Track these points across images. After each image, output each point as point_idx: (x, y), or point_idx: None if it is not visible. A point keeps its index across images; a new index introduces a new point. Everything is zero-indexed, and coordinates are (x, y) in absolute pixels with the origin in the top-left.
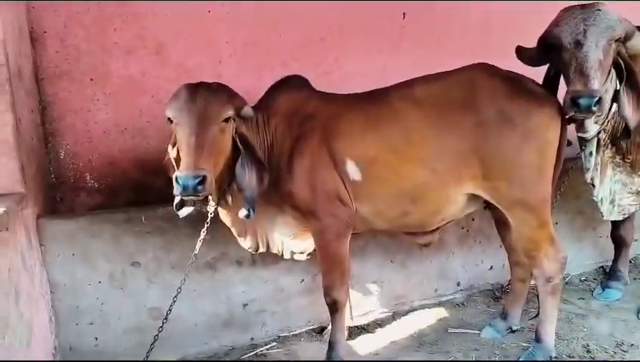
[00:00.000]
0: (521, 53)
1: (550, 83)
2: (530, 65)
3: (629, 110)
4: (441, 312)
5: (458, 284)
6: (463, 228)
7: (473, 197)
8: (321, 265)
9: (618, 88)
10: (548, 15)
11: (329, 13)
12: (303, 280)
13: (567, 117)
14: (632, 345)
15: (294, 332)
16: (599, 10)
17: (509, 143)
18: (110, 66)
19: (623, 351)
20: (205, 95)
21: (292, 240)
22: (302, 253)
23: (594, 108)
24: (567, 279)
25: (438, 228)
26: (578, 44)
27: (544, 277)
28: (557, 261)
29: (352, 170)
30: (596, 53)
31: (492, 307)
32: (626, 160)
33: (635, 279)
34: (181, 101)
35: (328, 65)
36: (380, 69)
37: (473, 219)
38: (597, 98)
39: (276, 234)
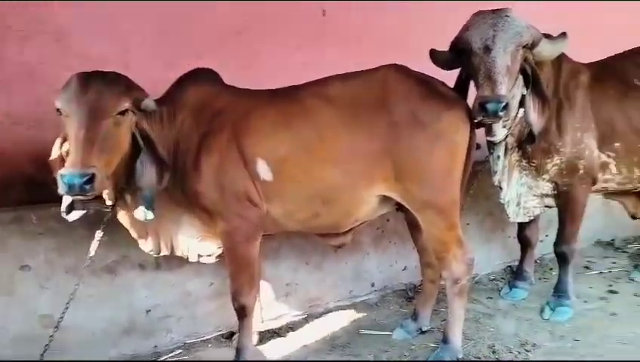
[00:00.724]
0: (435, 56)
1: (461, 86)
2: (443, 68)
3: (534, 115)
4: (355, 314)
5: (373, 285)
6: (378, 228)
7: (385, 199)
8: (228, 269)
9: (525, 94)
10: (466, 17)
11: (247, 7)
12: (212, 284)
13: (475, 121)
14: (535, 344)
15: (202, 339)
16: (508, 16)
17: (420, 145)
18: (3, 52)
19: (526, 350)
20: (98, 85)
21: (199, 243)
22: (209, 255)
23: (500, 114)
24: (476, 279)
25: (351, 230)
26: (487, 50)
27: (452, 279)
28: (464, 263)
29: (263, 170)
30: (504, 59)
31: (405, 307)
32: (532, 163)
33: (540, 279)
34: (71, 91)
35: (247, 59)
36: (299, 65)
37: (388, 220)
38: (504, 103)
39: (181, 236)
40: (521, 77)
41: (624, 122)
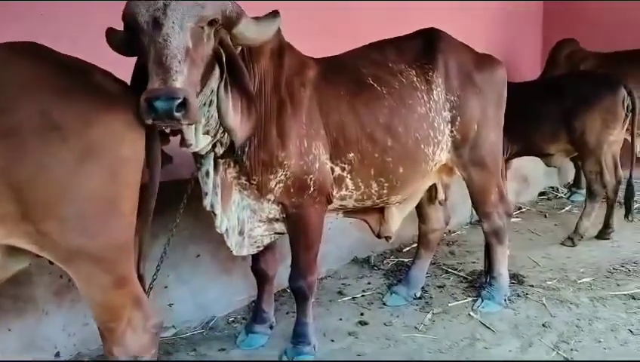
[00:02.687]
0: (110, 38)
1: (140, 77)
2: (122, 54)
3: (232, 117)
4: None
5: (57, 355)
6: (61, 276)
7: (17, 249)
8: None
9: (219, 88)
10: None
11: None
12: None
13: (148, 124)
14: None
15: None
16: None
17: (58, 163)
18: None
19: None
20: None
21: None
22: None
23: (177, 115)
24: (211, 323)
25: None
26: (156, 25)
27: (127, 355)
28: (147, 331)
29: None
30: (181, 38)
31: None
32: (252, 181)
33: (288, 313)
34: None
35: None
36: None
37: None
38: (180, 100)
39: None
40: (217, 67)
41: (357, 128)
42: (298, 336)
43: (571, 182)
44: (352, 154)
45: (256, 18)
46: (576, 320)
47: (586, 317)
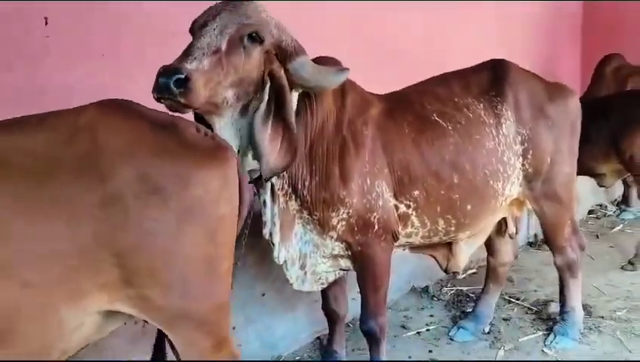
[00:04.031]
0: None
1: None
2: None
3: (265, 147)
4: None
5: None
6: (135, 322)
7: (115, 311)
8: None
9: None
10: None
11: None
12: None
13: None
14: None
15: None
16: (252, 2)
17: (160, 227)
18: None
19: None
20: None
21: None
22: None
23: (175, 90)
24: (281, 360)
25: None
26: (203, 26)
27: None
28: None
29: None
30: (216, 39)
31: None
32: (314, 216)
33: (353, 350)
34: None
35: None
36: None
37: None
38: (181, 76)
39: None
40: (265, 93)
41: (422, 165)
42: None
43: (619, 200)
44: (417, 192)
45: (320, 64)
46: None
47: None
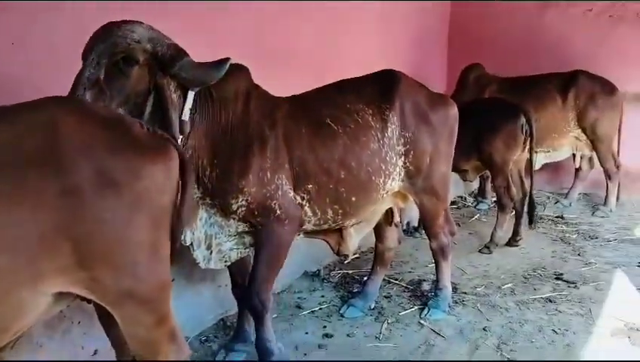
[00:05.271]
0: None
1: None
2: None
3: None
4: None
5: None
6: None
7: (63, 293)
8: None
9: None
10: None
11: None
12: None
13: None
14: None
15: None
16: (126, 26)
17: (113, 216)
18: None
19: None
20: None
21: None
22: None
23: None
24: (188, 341)
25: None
26: (85, 58)
27: None
28: None
29: None
30: (94, 70)
31: None
32: (215, 202)
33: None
34: None
35: None
36: None
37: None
38: None
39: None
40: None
41: (315, 162)
42: (260, 351)
43: (476, 192)
44: (310, 186)
45: (202, 63)
46: (508, 323)
47: (516, 321)
